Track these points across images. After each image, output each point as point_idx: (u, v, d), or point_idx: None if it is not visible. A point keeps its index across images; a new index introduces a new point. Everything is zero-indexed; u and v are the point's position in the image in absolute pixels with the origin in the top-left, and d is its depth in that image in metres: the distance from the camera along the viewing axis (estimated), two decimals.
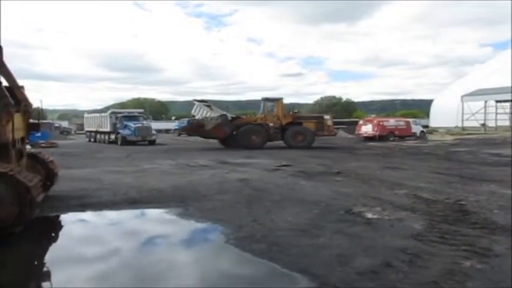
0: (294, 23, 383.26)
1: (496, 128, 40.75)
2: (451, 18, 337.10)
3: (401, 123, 32.28)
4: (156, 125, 39.70)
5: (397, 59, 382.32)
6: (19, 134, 6.31)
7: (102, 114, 31.74)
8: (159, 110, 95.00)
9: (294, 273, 3.90)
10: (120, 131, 27.37)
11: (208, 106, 25.36)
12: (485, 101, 41.26)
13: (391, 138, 29.68)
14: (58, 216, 6.55)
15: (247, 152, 19.08)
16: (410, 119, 35.69)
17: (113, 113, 29.56)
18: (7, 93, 5.89)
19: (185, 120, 35.99)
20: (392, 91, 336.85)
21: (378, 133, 29.86)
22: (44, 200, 6.24)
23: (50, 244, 5.36)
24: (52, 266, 4.41)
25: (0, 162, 5.32)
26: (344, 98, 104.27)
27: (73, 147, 24.89)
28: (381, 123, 30.97)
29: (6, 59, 6.16)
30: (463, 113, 41.91)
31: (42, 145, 23.37)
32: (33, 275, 4.29)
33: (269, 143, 22.73)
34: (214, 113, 23.85)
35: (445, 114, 46.49)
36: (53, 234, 5.90)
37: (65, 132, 50.20)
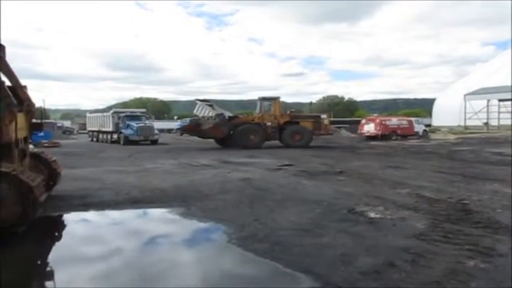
0: (295, 22, 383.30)
1: (499, 126, 40.59)
2: (454, 18, 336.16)
3: (404, 122, 32.18)
4: (158, 125, 39.67)
5: (399, 59, 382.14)
6: (22, 134, 6.32)
7: (105, 113, 31.74)
8: (161, 109, 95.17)
9: (296, 272, 3.90)
10: (122, 130, 27.38)
11: (211, 106, 25.33)
12: (488, 100, 41.09)
13: (394, 138, 29.60)
14: (61, 216, 6.56)
15: (249, 151, 19.05)
16: (412, 118, 35.61)
17: (115, 112, 29.58)
18: (10, 93, 5.91)
19: (187, 119, 36.00)
20: (395, 90, 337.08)
21: (380, 132, 29.80)
22: (46, 199, 6.25)
23: (53, 244, 5.38)
24: (55, 266, 4.43)
25: (3, 162, 5.33)
26: (346, 98, 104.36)
27: (75, 147, 24.94)
28: (383, 122, 30.89)
29: (8, 59, 6.17)
30: (465, 112, 41.76)
31: (45, 145, 23.44)
32: (36, 275, 4.31)
33: (265, 143, 22.58)
34: (216, 113, 23.80)
35: (448, 113, 46.32)
36: (56, 234, 5.92)
37: (67, 131, 50.28)
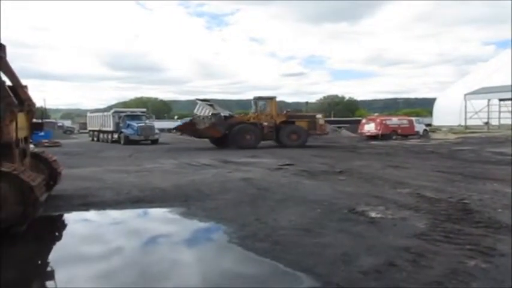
0: (296, 22, 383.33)
1: (499, 126, 40.56)
2: (454, 17, 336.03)
3: (404, 121, 32.17)
4: (158, 124, 39.62)
5: (400, 58, 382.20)
6: (22, 134, 6.32)
7: (105, 113, 31.76)
8: (161, 109, 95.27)
9: (297, 272, 3.90)
10: (123, 130, 27.39)
11: (211, 105, 25.31)
12: (489, 100, 41.05)
13: (394, 137, 29.60)
14: (61, 216, 6.57)
15: (250, 151, 19.03)
16: (413, 118, 35.58)
17: (115, 112, 29.59)
18: (10, 93, 5.91)
19: (187, 119, 36.00)
20: (395, 90, 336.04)
21: (380, 132, 29.78)
22: (47, 199, 6.26)
23: (53, 243, 5.38)
24: (56, 265, 4.43)
25: (3, 161, 5.33)
26: (347, 97, 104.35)
27: (76, 147, 24.95)
28: (384, 121, 30.86)
29: (9, 58, 6.17)
30: (466, 112, 41.69)
31: (46, 144, 23.47)
32: (36, 274, 4.31)
33: (262, 143, 22.40)
34: (213, 112, 23.64)
35: (448, 112, 46.31)
36: (57, 234, 5.92)
37: (68, 131, 50.33)
